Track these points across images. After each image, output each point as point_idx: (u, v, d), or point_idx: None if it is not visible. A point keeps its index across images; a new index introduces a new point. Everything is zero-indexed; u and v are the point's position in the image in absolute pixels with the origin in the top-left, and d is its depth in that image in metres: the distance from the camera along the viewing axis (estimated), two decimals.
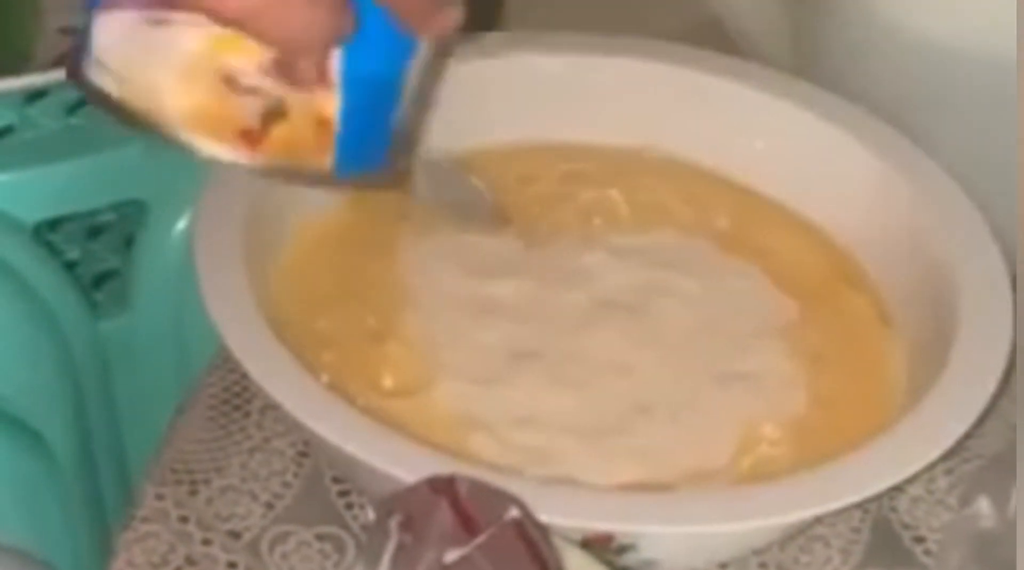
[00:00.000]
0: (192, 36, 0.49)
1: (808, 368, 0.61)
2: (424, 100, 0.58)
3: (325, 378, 0.58)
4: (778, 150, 0.68)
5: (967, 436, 0.55)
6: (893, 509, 0.61)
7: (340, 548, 0.58)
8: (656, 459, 0.57)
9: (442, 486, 0.46)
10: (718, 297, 0.64)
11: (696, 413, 0.59)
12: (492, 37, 0.71)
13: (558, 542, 0.48)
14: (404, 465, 0.51)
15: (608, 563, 0.51)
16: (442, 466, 0.49)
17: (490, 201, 0.67)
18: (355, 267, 0.64)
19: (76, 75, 0.51)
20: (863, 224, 0.66)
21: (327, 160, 0.52)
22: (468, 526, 0.45)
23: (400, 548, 0.45)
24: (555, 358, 0.61)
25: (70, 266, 0.82)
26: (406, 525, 0.45)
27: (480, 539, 0.45)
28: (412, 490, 0.46)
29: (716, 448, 0.58)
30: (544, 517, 0.48)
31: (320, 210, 0.65)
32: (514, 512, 0.45)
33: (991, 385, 0.56)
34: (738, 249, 0.66)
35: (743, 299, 0.64)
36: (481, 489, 0.46)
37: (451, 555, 0.45)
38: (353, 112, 0.52)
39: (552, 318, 0.62)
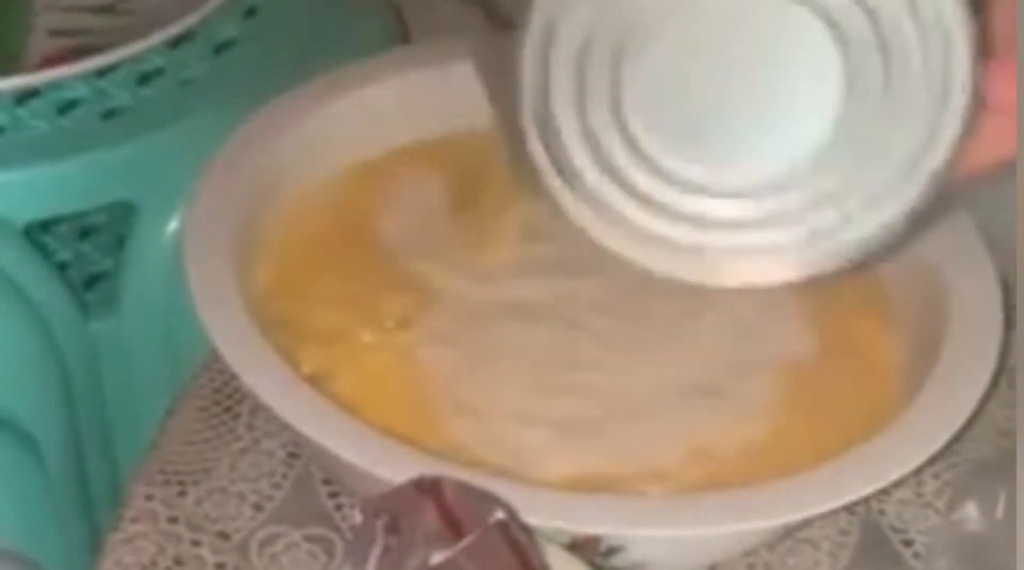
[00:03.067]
0: None
1: (796, 404, 0.61)
2: None
3: (306, 368, 0.58)
4: None
5: (955, 440, 0.55)
6: (882, 512, 0.61)
7: (329, 549, 0.58)
8: (609, 456, 0.57)
9: (428, 488, 0.46)
10: (746, 325, 0.63)
11: (655, 420, 0.59)
12: (489, 38, 0.71)
13: (544, 544, 0.48)
14: (390, 466, 0.51)
15: (596, 566, 0.51)
16: (428, 467, 0.49)
17: None
18: (346, 264, 0.64)
19: None
20: None
21: None
22: (454, 528, 0.45)
23: (386, 550, 0.45)
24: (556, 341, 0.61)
25: (61, 267, 0.82)
26: (392, 527, 0.45)
27: (466, 541, 0.44)
28: (397, 492, 0.46)
29: (666, 455, 0.58)
30: (530, 519, 0.48)
31: (308, 209, 0.65)
32: (499, 514, 0.45)
33: (979, 391, 0.56)
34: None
35: (768, 331, 0.63)
36: (467, 491, 0.46)
37: (437, 557, 0.45)
38: None
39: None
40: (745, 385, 0.61)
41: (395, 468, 0.50)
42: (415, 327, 0.61)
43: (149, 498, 0.60)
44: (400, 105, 0.68)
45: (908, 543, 0.60)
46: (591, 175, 0.47)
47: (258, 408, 0.62)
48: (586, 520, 0.52)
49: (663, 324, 0.63)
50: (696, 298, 0.63)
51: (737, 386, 0.61)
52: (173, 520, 0.59)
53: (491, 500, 0.46)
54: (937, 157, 0.44)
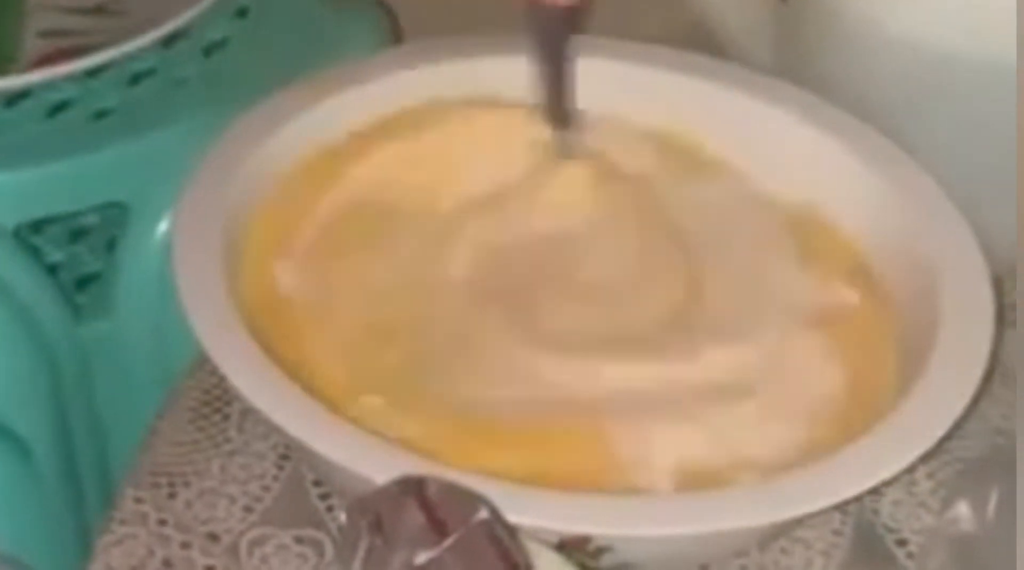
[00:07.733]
0: None
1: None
2: None
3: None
4: (759, 151, 0.68)
5: (948, 439, 0.55)
6: (875, 511, 0.61)
7: (319, 551, 0.58)
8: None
9: (411, 487, 0.45)
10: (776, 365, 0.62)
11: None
12: (483, 39, 0.71)
13: (532, 544, 0.48)
14: (373, 465, 0.51)
15: (584, 566, 0.51)
16: (411, 466, 0.49)
17: None
18: (334, 262, 0.64)
19: None
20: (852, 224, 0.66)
21: None
22: (438, 527, 0.45)
23: (371, 550, 0.45)
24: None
25: (52, 269, 0.82)
26: (376, 527, 0.45)
27: (449, 540, 0.44)
28: (381, 491, 0.46)
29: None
30: (515, 519, 0.47)
31: (297, 209, 0.65)
32: (483, 513, 0.45)
33: (970, 389, 0.56)
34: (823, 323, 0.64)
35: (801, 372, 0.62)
36: (450, 490, 0.46)
37: (421, 557, 0.44)
38: None
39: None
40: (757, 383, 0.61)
41: (379, 467, 0.50)
42: (403, 326, 0.61)
43: (139, 500, 0.60)
44: (393, 105, 0.68)
45: (902, 543, 0.60)
46: None
47: (249, 410, 0.62)
48: (569, 519, 0.51)
49: (660, 325, 0.62)
50: (694, 299, 0.64)
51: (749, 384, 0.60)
52: (163, 522, 0.59)
53: (475, 499, 0.46)
54: None
